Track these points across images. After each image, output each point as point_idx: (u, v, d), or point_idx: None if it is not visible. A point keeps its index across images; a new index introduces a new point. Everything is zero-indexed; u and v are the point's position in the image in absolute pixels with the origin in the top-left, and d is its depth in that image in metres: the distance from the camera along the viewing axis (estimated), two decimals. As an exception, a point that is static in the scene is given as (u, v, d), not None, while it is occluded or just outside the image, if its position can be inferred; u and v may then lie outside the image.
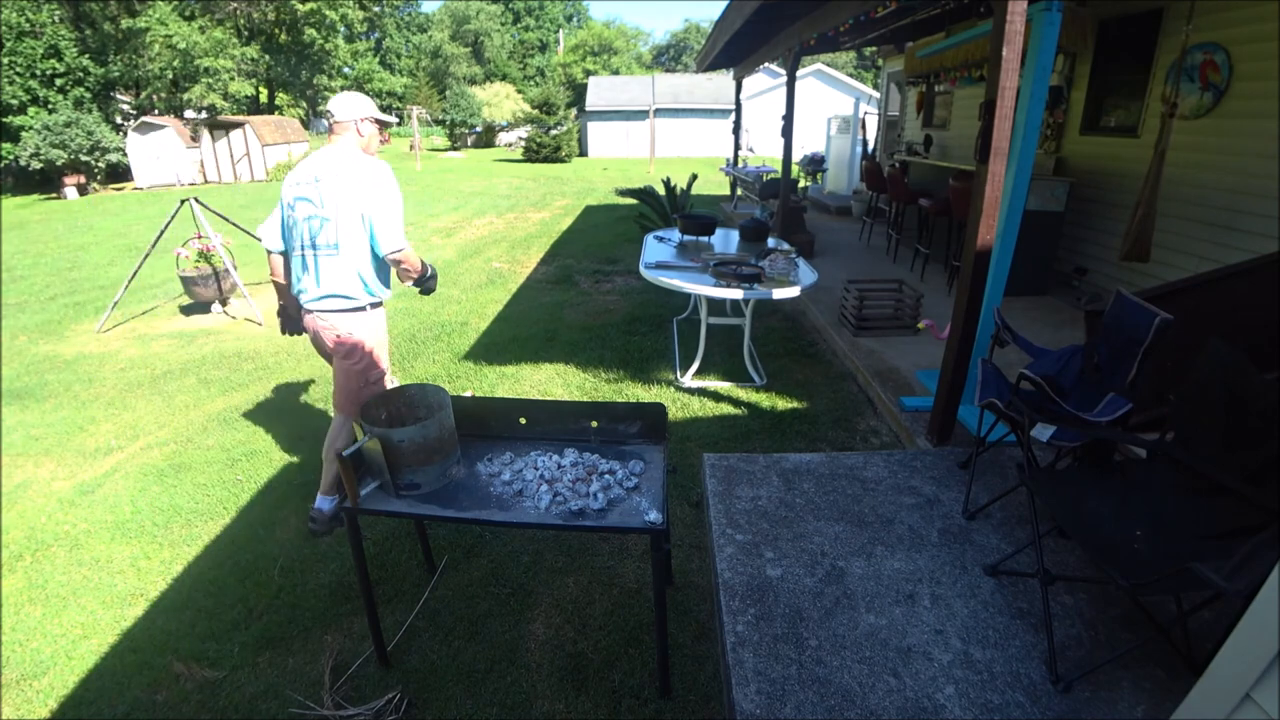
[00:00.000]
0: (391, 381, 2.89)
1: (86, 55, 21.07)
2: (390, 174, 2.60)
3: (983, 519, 2.51)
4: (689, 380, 4.12)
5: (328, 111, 2.68)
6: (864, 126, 11.25)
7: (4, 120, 18.97)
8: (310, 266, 2.58)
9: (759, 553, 2.33)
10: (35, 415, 4.21)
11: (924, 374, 3.83)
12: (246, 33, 26.11)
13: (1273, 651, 1.07)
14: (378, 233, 2.53)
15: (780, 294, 3.67)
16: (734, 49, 8.30)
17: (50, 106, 19.60)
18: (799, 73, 7.50)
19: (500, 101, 34.82)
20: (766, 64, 9.47)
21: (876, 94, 19.60)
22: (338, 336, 2.63)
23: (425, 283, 2.82)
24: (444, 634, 2.26)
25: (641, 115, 27.58)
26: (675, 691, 2.00)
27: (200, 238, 5.94)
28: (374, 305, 2.69)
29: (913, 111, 9.70)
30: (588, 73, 41.32)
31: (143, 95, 24.08)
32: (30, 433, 3.95)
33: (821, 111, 17.55)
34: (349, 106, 2.61)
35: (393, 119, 3.17)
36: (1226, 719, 1.18)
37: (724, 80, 28.90)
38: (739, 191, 11.36)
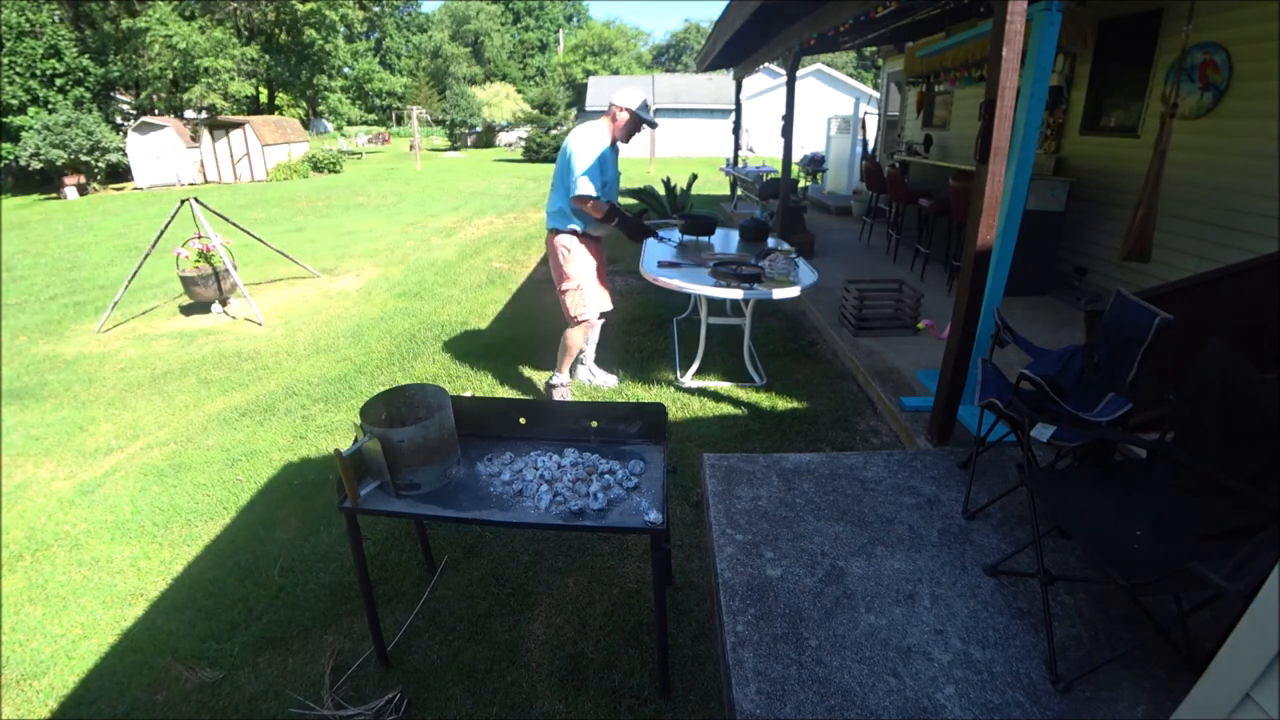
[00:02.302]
0: (584, 300, 3.69)
1: (86, 55, 21.07)
2: (591, 141, 3.42)
3: (983, 519, 2.51)
4: (689, 380, 4.12)
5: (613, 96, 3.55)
6: (864, 126, 11.25)
7: (4, 120, 18.97)
8: (549, 199, 3.71)
9: (759, 553, 2.33)
10: (35, 415, 4.21)
11: (924, 374, 3.83)
12: (246, 33, 26.11)
13: (1273, 651, 1.07)
14: (572, 181, 3.42)
15: (780, 294, 3.67)
16: (734, 49, 8.30)
17: (50, 106, 19.60)
18: (799, 73, 7.50)
19: (500, 101, 34.87)
20: (766, 64, 9.47)
21: (876, 94, 19.60)
22: (552, 246, 3.70)
23: (624, 227, 3.67)
24: (444, 634, 2.26)
25: (641, 115, 27.56)
26: (675, 691, 2.00)
27: (200, 238, 5.94)
28: (569, 233, 3.63)
29: (913, 111, 9.70)
30: (588, 73, 41.34)
31: (143, 95, 24.08)
32: (30, 433, 3.96)
33: (821, 111, 17.53)
34: (618, 94, 3.53)
35: (655, 120, 3.66)
36: (1226, 719, 1.18)
37: (724, 80, 28.89)
38: (739, 191, 11.36)
